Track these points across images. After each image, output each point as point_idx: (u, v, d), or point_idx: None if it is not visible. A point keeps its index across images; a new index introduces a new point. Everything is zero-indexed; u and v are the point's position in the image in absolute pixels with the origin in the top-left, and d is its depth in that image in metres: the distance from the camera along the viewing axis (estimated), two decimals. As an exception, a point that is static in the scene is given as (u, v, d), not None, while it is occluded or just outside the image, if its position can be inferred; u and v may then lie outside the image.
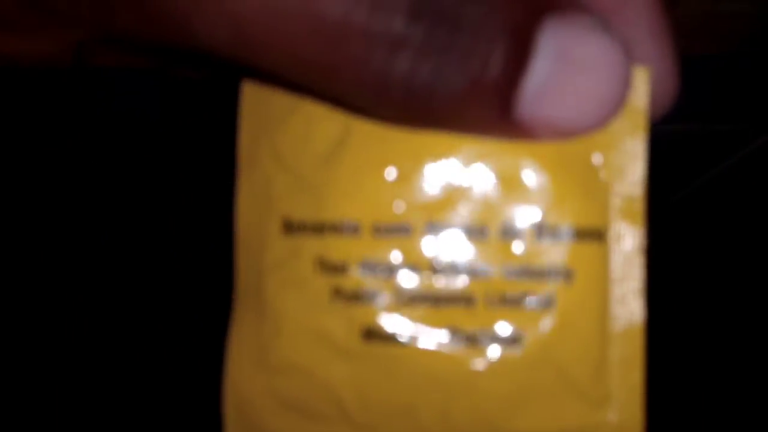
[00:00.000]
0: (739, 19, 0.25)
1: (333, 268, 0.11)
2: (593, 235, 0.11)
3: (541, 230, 0.11)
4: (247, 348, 0.11)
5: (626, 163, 0.11)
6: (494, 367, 0.11)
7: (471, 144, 0.11)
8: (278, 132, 0.11)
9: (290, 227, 0.11)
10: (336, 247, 0.11)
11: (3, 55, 0.10)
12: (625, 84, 0.10)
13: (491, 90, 0.09)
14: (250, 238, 0.11)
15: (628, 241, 0.11)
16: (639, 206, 0.11)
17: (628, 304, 0.11)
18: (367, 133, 0.11)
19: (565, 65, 0.09)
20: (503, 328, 0.11)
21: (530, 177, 0.11)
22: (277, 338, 0.11)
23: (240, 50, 0.08)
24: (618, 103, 0.10)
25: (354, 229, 0.11)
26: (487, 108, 0.09)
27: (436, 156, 0.11)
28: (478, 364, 0.11)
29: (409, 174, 0.11)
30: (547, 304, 0.11)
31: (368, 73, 0.08)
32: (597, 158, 0.11)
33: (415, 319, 0.11)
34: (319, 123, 0.11)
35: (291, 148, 0.11)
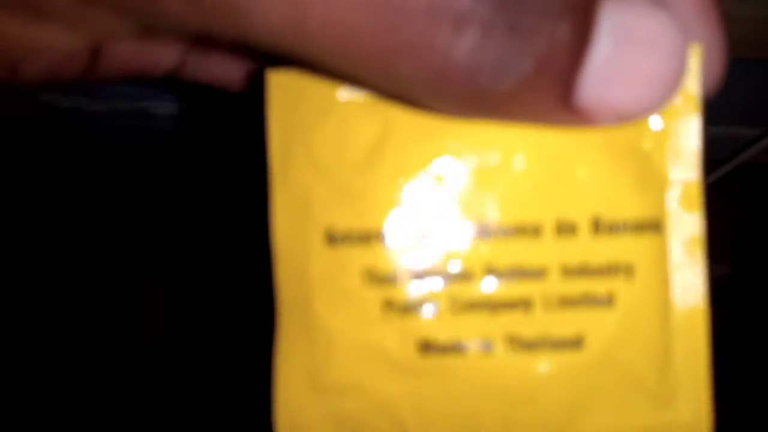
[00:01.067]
0: (747, 24, 0.25)
1: (383, 280, 0.10)
2: (652, 226, 0.11)
3: (597, 225, 0.10)
4: (298, 368, 0.11)
5: (680, 146, 0.11)
6: (556, 372, 0.10)
7: (519, 138, 0.10)
8: (312, 134, 0.11)
9: (334, 239, 0.10)
10: (385, 257, 0.10)
11: (23, 47, 0.09)
12: (684, 62, 0.09)
13: (555, 72, 0.08)
14: (291, 251, 0.11)
15: (687, 229, 0.11)
16: (696, 191, 0.11)
17: (690, 293, 0.11)
18: (407, 130, 0.10)
19: (626, 45, 0.09)
20: (564, 332, 0.10)
21: (582, 169, 0.11)
22: (329, 357, 0.10)
23: (295, 38, 0.08)
24: (677, 82, 0.09)
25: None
26: (549, 92, 0.09)
27: (483, 151, 0.10)
28: (540, 371, 0.10)
29: (455, 173, 0.10)
30: (609, 302, 0.10)
31: (430, 55, 0.08)
32: (649, 144, 0.11)
33: (471, 328, 0.10)
34: (355, 122, 0.10)
35: (328, 151, 0.11)
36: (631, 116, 0.09)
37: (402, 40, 0.08)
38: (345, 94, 0.11)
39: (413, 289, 0.10)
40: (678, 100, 0.10)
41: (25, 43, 0.09)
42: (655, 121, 0.11)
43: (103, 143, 0.35)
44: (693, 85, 0.10)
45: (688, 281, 0.11)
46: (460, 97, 0.09)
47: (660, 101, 0.09)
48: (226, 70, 0.13)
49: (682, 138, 0.11)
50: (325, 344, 0.10)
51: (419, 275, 0.10)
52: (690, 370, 0.11)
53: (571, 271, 0.10)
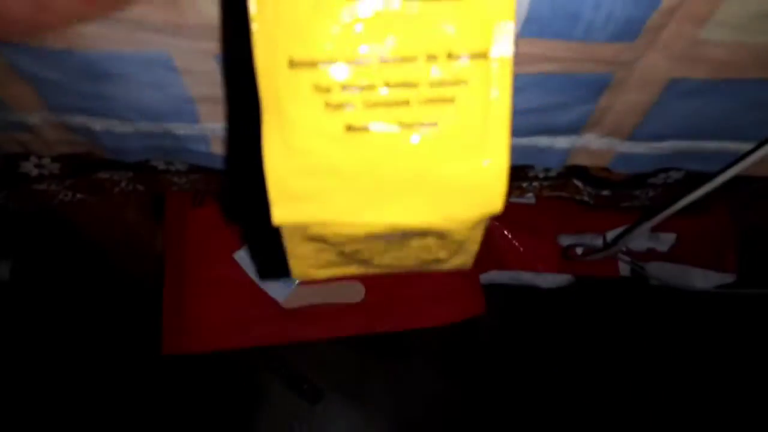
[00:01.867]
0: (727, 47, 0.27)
1: (323, 90, 0.18)
2: (482, 55, 0.18)
3: (450, 56, 0.18)
4: (275, 140, 0.18)
5: (502, 7, 0.18)
6: (422, 141, 0.19)
7: (407, 5, 0.17)
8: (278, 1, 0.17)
9: (293, 64, 0.17)
10: (324, 76, 0.17)
11: None
12: None
13: None
14: (267, 71, 0.17)
15: (502, 53, 0.18)
16: (508, 28, 0.18)
17: (501, 92, 0.19)
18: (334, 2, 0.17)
19: None
20: (428, 119, 0.18)
21: (446, 22, 0.17)
22: (294, 134, 0.18)
23: None
24: None
25: (336, 64, 0.17)
26: None
27: (388, 16, 0.17)
28: (414, 140, 0.19)
29: (370, 28, 0.17)
30: (452, 101, 0.18)
31: None
32: (487, 6, 0.18)
33: (376, 117, 0.18)
34: None
35: (287, 8, 0.17)
36: None
37: None
38: None
39: (343, 95, 0.18)
40: None
41: None
42: None
43: (132, 161, 0.37)
44: None
45: (501, 84, 0.19)
46: None
47: None
48: None
49: (504, 2, 0.17)
50: (290, 126, 0.18)
51: (345, 87, 0.18)
52: (498, 139, 0.19)
53: (433, 84, 0.18)
